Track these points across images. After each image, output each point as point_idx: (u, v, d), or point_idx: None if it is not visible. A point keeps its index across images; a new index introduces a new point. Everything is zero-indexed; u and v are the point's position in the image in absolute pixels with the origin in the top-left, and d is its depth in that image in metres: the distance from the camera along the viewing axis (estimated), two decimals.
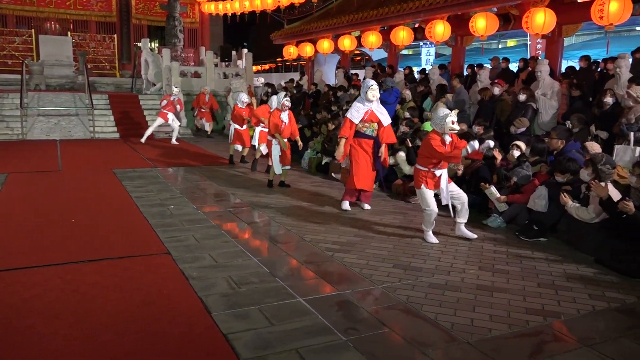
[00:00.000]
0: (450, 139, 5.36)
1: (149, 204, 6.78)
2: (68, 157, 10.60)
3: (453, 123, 5.20)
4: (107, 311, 3.62)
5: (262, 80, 22.26)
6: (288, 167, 8.15)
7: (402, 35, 11.75)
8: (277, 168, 8.00)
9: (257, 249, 5.19)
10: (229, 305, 3.75)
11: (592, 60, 10.13)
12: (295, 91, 15.10)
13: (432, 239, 5.48)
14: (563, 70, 10.00)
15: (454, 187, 5.51)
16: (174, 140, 13.10)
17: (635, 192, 5.00)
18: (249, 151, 9.21)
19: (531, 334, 3.46)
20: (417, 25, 12.36)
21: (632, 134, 6.39)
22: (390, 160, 7.98)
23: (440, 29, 10.50)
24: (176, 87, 13.04)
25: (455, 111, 5.34)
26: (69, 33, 20.90)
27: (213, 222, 6.04)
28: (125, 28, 22.73)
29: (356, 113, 6.43)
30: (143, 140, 12.70)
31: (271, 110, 8.47)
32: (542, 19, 8.33)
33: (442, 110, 5.34)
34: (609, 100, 7.18)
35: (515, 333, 3.46)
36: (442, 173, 5.39)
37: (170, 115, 12.72)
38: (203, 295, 3.91)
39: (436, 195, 5.53)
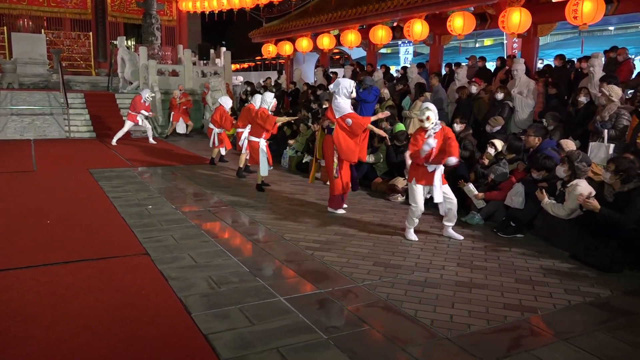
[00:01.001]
0: (431, 134, 5.29)
1: (127, 204, 6.69)
2: (43, 157, 10.41)
3: (422, 122, 5.30)
4: (85, 313, 3.56)
5: (240, 78, 22.12)
6: (270, 167, 8.04)
7: (380, 34, 11.80)
8: (264, 170, 7.75)
9: (237, 248, 5.17)
10: (209, 305, 3.72)
11: (566, 60, 10.31)
12: (274, 90, 15.05)
13: (412, 236, 5.51)
14: (541, 68, 10.15)
15: (447, 190, 5.46)
16: (151, 140, 12.96)
17: (609, 188, 5.11)
18: (241, 157, 8.92)
19: (509, 329, 3.51)
20: (395, 24, 12.43)
21: (605, 131, 6.52)
22: (370, 159, 8.02)
23: (419, 27, 10.57)
24: (151, 91, 12.90)
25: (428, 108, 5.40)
26: (42, 30, 20.50)
27: (192, 221, 5.99)
28: (100, 26, 22.39)
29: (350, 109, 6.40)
30: (114, 142, 12.47)
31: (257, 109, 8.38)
32: (518, 19, 8.45)
33: (425, 104, 5.44)
34: (583, 99, 7.31)
35: (494, 328, 3.51)
36: (437, 169, 5.32)
37: (140, 117, 12.55)
38: (182, 295, 3.88)
39: (428, 200, 5.55)
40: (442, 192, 5.38)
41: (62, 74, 15.00)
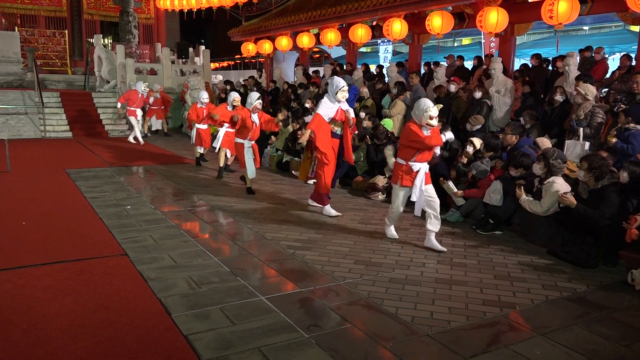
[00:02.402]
0: (429, 133, 4.99)
1: (105, 205, 6.60)
2: (17, 157, 10.19)
3: (431, 118, 4.88)
4: (62, 316, 3.51)
5: (220, 77, 21.97)
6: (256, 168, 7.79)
7: (360, 32, 11.84)
8: (251, 172, 7.56)
9: (218, 248, 5.13)
10: (190, 305, 3.70)
11: (543, 58, 10.47)
12: (255, 89, 14.99)
13: (393, 233, 5.50)
14: (517, 67, 10.29)
15: (430, 191, 5.15)
16: (130, 139, 12.80)
17: (583, 185, 5.20)
18: (220, 156, 8.74)
19: (488, 325, 3.56)
20: (374, 23, 12.48)
21: (581, 129, 6.64)
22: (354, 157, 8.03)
23: (398, 27, 10.64)
24: (145, 82, 12.86)
25: (439, 106, 5.01)
26: (16, 28, 20.06)
27: (172, 221, 5.93)
28: (76, 23, 22.01)
29: (327, 111, 6.16)
30: (131, 139, 12.56)
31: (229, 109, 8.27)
32: (495, 18, 8.56)
33: (425, 102, 4.96)
34: (559, 97, 7.44)
35: (473, 324, 3.55)
36: (421, 168, 5.10)
37: (139, 112, 12.41)
38: (162, 296, 3.84)
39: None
40: (425, 193, 5.10)
41: (36, 73, 14.72)
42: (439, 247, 5.14)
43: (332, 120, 6.25)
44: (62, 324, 3.38)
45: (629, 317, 3.73)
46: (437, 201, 5.17)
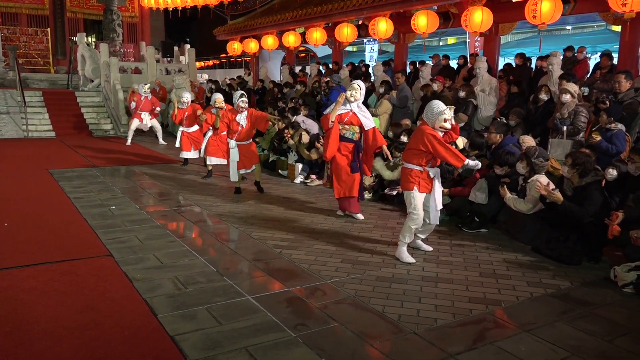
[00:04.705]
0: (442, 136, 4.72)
1: (89, 205, 6.53)
2: None
3: (445, 121, 4.61)
4: (46, 317, 3.47)
5: (205, 76, 21.87)
6: (256, 166, 7.56)
7: (346, 31, 11.85)
8: (234, 175, 7.36)
9: (204, 248, 5.11)
10: (176, 306, 3.67)
11: (526, 58, 10.58)
12: (239, 87, 14.93)
13: (408, 258, 4.76)
14: (501, 67, 10.39)
15: (439, 197, 4.89)
16: (161, 140, 12.65)
17: (568, 183, 5.27)
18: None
19: (474, 322, 3.59)
20: (360, 22, 12.50)
21: (564, 127, 6.72)
22: None
23: (383, 26, 10.67)
24: (146, 84, 12.58)
25: (452, 107, 4.72)
26: None
27: (157, 222, 5.89)
28: (59, 21, 21.72)
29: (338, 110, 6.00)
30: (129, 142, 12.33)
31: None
32: (480, 18, 8.63)
33: (438, 105, 4.71)
34: (543, 96, 7.52)
35: (460, 322, 3.58)
36: (437, 173, 4.83)
37: (145, 115, 12.22)
38: (148, 297, 3.81)
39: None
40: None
41: (18, 72, 14.52)
42: (424, 247, 5.13)
43: (340, 123, 6.03)
44: (47, 326, 3.34)
45: (611, 313, 3.78)
46: (438, 214, 4.97)
